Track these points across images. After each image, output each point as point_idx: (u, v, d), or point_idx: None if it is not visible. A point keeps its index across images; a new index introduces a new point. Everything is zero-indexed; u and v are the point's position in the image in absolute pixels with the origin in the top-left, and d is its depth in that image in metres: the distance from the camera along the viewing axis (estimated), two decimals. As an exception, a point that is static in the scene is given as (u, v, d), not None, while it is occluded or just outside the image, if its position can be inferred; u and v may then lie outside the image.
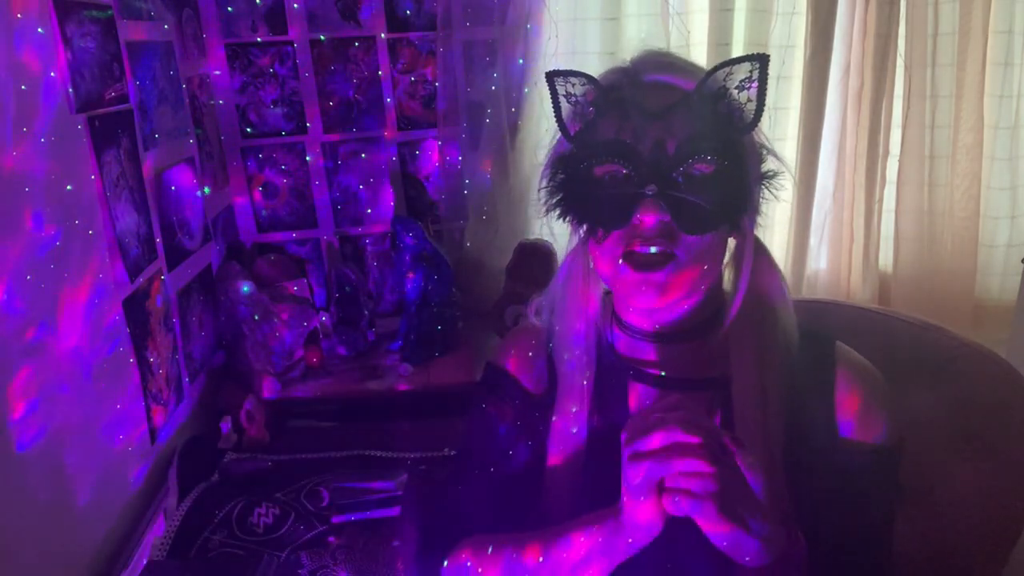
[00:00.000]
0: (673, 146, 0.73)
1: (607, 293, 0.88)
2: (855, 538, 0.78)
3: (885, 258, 2.02)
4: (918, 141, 1.88)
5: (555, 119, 0.80)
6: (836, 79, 1.89)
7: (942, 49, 1.83)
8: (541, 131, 2.01)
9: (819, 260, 2.03)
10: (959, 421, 0.98)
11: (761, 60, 0.72)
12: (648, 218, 0.73)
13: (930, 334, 1.06)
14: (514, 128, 2.00)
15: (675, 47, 1.77)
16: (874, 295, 2.00)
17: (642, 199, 0.73)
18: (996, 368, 1.01)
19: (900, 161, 1.91)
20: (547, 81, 0.79)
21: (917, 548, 0.94)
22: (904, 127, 1.88)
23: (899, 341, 1.04)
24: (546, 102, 1.93)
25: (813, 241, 2.01)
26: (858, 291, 1.99)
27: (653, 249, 0.74)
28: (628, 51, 0.82)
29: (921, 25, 1.81)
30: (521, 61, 1.94)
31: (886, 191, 1.95)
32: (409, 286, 1.93)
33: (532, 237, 2.06)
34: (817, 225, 2.00)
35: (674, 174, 0.73)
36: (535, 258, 1.97)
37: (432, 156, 2.13)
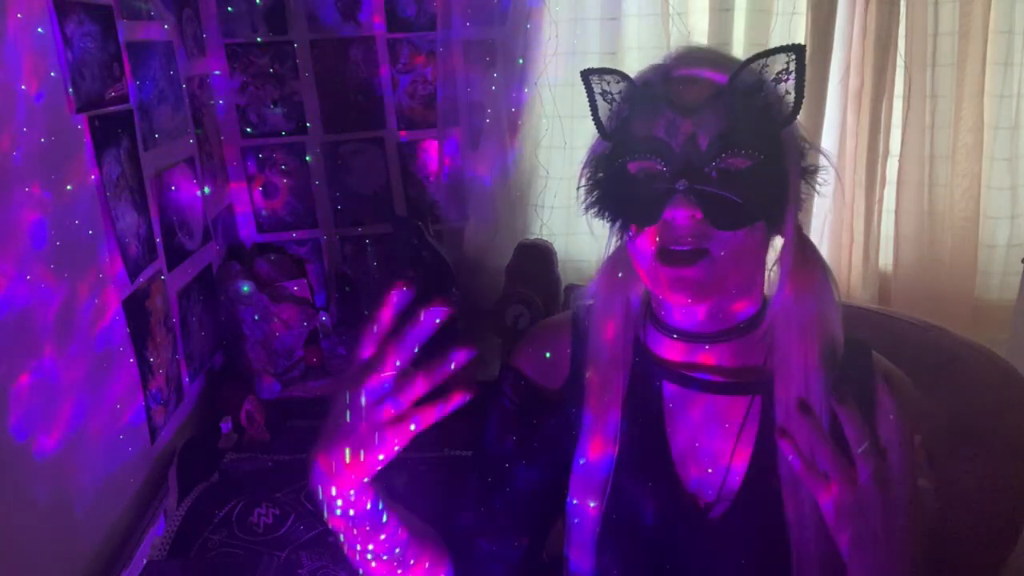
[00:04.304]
0: (705, 141, 0.71)
1: (646, 292, 0.86)
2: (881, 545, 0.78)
3: (885, 258, 2.02)
4: (918, 141, 1.88)
5: (592, 117, 0.79)
6: (836, 79, 1.89)
7: (942, 49, 1.83)
8: (541, 131, 2.01)
9: (819, 260, 2.03)
10: (959, 421, 0.98)
11: (797, 51, 0.71)
12: (679, 214, 0.72)
13: (930, 334, 1.06)
14: (514, 128, 1.99)
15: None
16: (874, 295, 1.99)
17: (673, 195, 0.71)
18: (996, 368, 1.01)
19: (900, 161, 1.91)
20: (583, 80, 0.78)
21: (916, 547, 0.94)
22: (904, 127, 1.88)
23: (899, 341, 1.03)
24: (547, 103, 1.95)
25: (813, 241, 2.00)
26: (858, 291, 1.99)
27: (686, 247, 0.73)
28: (663, 49, 0.81)
29: (921, 25, 1.81)
30: (521, 61, 1.94)
31: (886, 191, 1.95)
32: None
33: (532, 237, 2.06)
34: (817, 225, 2.00)
35: (706, 169, 0.71)
36: (535, 258, 1.97)
37: (432, 156, 2.13)
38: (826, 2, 1.81)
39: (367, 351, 0.66)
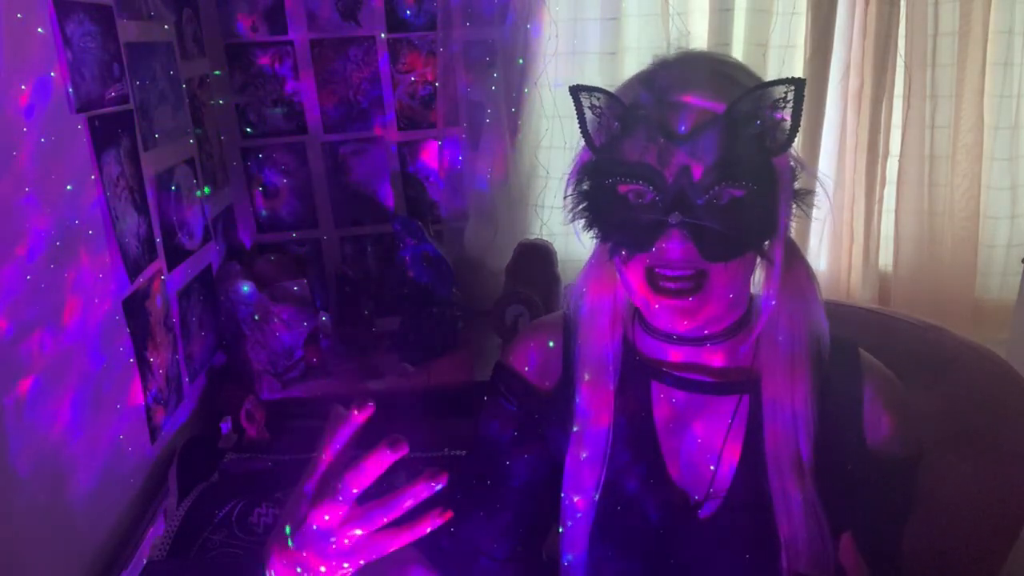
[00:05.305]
0: (699, 172, 0.70)
1: None
2: (871, 543, 0.78)
3: (885, 258, 2.02)
4: (918, 141, 1.88)
5: (580, 132, 0.77)
6: (836, 79, 1.89)
7: (942, 49, 1.83)
8: (541, 131, 2.01)
9: (819, 260, 2.03)
10: (958, 421, 0.98)
11: (797, 84, 0.70)
12: (671, 246, 0.72)
13: (930, 334, 1.06)
14: (514, 128, 2.00)
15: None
16: (874, 295, 2.00)
17: (665, 227, 0.71)
18: (996, 368, 1.01)
19: (900, 161, 1.91)
20: (572, 96, 0.77)
21: (916, 547, 0.94)
22: (904, 127, 1.88)
23: (899, 341, 1.04)
24: (547, 103, 1.95)
25: (813, 241, 2.01)
26: (858, 291, 1.99)
27: (679, 273, 0.73)
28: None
29: (921, 25, 1.81)
30: (521, 61, 1.94)
31: (886, 191, 1.95)
32: (409, 286, 1.93)
33: (532, 237, 2.06)
34: (817, 225, 2.00)
35: (699, 201, 0.71)
36: (535, 258, 1.97)
37: (432, 156, 2.13)
38: (826, 2, 1.81)
39: (312, 481, 0.62)
